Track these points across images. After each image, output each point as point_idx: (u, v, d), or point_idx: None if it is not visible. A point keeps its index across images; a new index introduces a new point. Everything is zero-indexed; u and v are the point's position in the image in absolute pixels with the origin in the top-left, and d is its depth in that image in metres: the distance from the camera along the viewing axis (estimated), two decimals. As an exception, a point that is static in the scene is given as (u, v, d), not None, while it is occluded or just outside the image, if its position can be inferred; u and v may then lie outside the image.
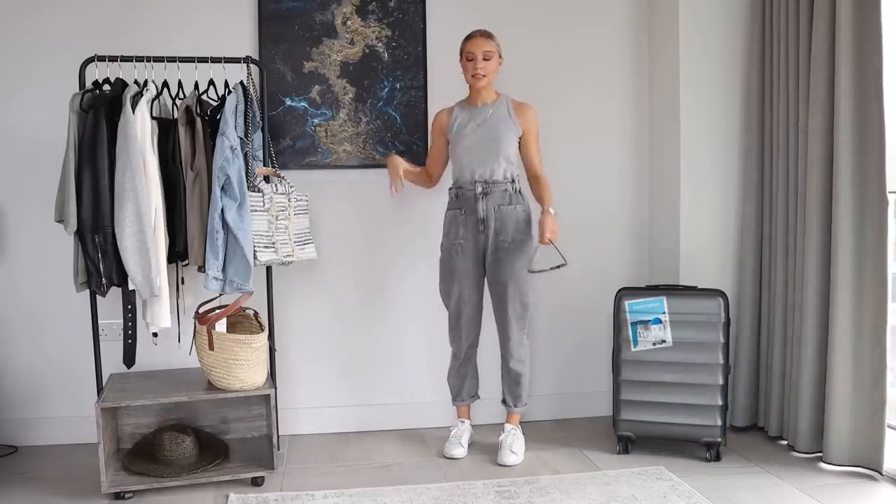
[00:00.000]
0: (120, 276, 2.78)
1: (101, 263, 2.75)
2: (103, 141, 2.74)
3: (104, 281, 2.77)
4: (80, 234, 2.75)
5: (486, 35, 3.08)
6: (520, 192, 3.10)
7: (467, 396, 3.30)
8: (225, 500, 2.76)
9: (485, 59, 3.04)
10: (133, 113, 2.71)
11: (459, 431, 3.24)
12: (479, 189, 3.06)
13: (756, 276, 3.38)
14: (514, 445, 3.13)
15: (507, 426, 3.20)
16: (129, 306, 2.87)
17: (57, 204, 2.79)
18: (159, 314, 2.80)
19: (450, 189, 3.18)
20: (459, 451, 3.15)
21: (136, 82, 2.83)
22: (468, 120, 3.12)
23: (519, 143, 3.13)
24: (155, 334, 3.02)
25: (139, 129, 2.72)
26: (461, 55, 3.10)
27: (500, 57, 3.10)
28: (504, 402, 3.23)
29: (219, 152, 2.79)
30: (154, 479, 2.78)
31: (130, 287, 2.78)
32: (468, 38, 3.08)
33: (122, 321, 2.94)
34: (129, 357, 2.92)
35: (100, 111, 2.75)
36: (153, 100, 2.85)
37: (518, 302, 3.10)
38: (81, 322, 3.25)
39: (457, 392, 3.29)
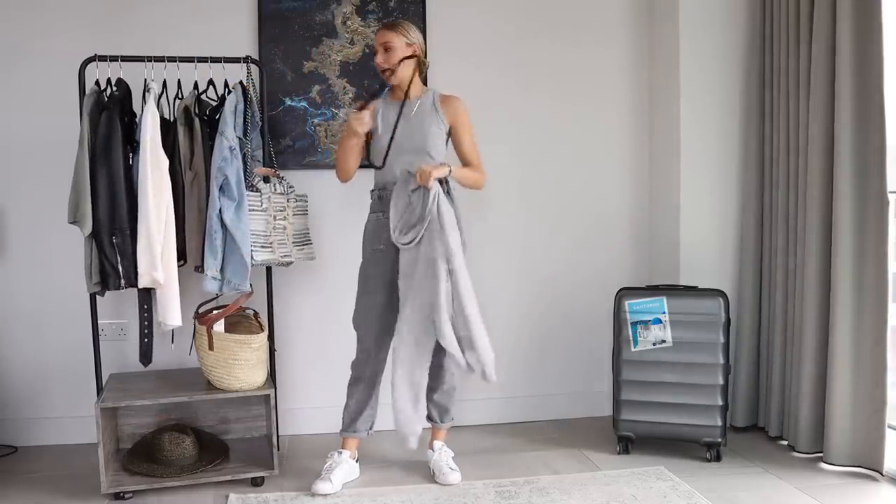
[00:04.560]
0: (137, 276, 2.76)
1: (119, 265, 2.75)
2: (118, 142, 2.74)
3: (122, 282, 2.76)
4: (95, 235, 2.74)
5: (390, 26, 2.79)
6: (449, 193, 2.79)
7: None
8: (225, 501, 2.76)
9: (385, 51, 2.76)
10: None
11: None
12: None
13: (756, 276, 3.38)
14: (450, 462, 2.99)
15: (437, 443, 3.06)
16: (146, 306, 2.86)
17: (70, 205, 2.74)
18: (170, 311, 2.77)
19: (371, 191, 2.90)
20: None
21: (145, 81, 2.84)
22: (392, 115, 2.84)
23: (449, 138, 2.89)
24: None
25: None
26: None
27: (409, 46, 2.78)
28: (430, 418, 3.06)
29: (217, 152, 2.79)
30: (154, 480, 2.79)
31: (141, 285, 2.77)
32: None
33: (138, 321, 2.92)
34: (145, 355, 2.91)
35: (114, 112, 2.76)
36: (158, 98, 2.86)
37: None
38: (81, 322, 3.24)
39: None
